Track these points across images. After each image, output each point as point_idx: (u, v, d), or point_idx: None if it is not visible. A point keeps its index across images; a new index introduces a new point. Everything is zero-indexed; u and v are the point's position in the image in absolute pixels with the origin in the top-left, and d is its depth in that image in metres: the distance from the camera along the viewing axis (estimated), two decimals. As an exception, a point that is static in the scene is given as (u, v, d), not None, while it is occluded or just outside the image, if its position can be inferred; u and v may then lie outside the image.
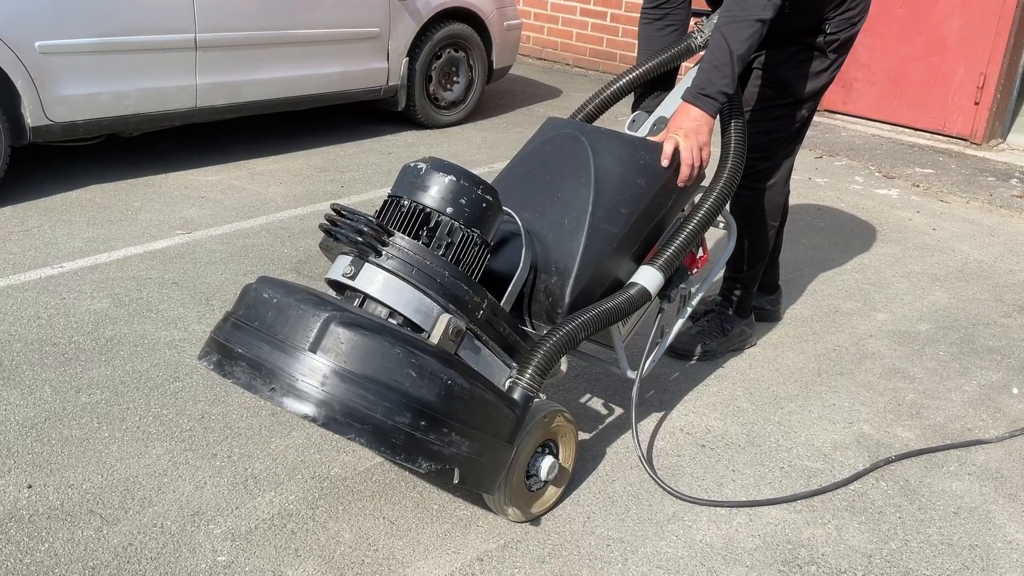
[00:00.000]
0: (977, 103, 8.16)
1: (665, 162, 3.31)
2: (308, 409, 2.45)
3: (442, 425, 2.58)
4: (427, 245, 2.79)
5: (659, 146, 3.35)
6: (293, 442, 3.54)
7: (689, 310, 3.67)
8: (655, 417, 3.86)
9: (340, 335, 2.50)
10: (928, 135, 8.59)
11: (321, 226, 2.87)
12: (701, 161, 3.38)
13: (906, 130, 8.70)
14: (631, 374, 3.50)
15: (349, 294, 2.87)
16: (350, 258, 2.80)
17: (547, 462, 3.09)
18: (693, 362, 4.31)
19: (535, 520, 3.18)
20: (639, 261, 3.39)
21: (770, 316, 4.74)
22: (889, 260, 5.74)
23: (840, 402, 4.04)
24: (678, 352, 4.27)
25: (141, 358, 4.06)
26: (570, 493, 3.32)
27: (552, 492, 3.23)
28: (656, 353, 3.54)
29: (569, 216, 3.23)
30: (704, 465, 3.54)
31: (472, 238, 2.85)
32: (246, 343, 2.56)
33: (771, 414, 3.91)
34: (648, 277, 3.28)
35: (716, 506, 3.30)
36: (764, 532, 3.17)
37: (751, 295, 4.39)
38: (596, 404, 3.94)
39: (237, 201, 6.01)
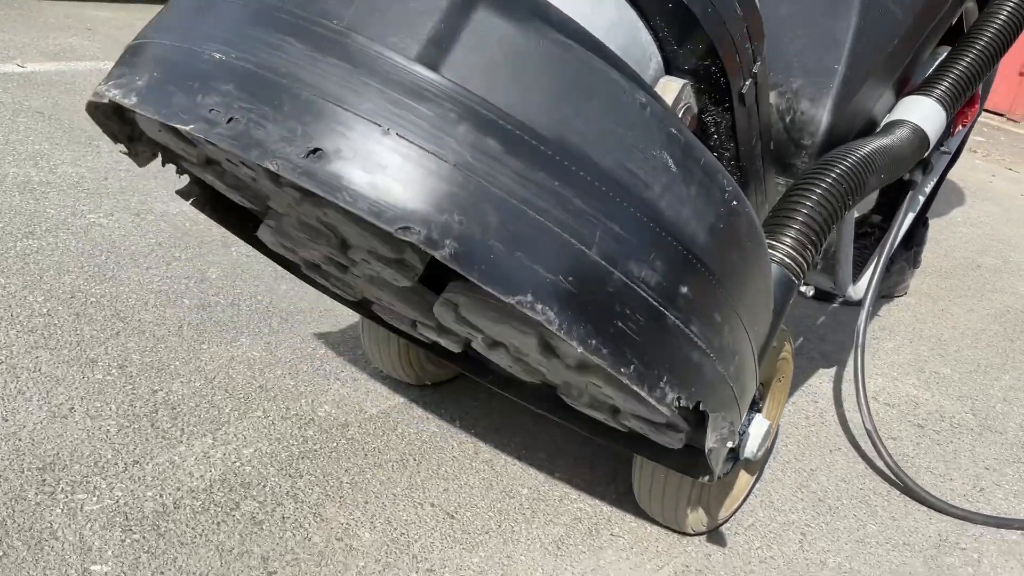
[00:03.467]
0: (1022, 74, 7.02)
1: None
2: (398, 213, 0.86)
3: (716, 300, 1.04)
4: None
5: None
6: (241, 350, 1.91)
7: (930, 190, 2.23)
8: (826, 376, 2.39)
9: (495, 29, 0.92)
10: (962, 105, 7.43)
11: None
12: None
13: (937, 96, 7.53)
14: (853, 292, 2.03)
15: None
16: None
17: (759, 425, 1.57)
18: (836, 305, 2.87)
19: (715, 532, 1.67)
20: (897, 95, 1.92)
21: (912, 259, 3.34)
22: (997, 218, 4.48)
23: (1066, 380, 2.67)
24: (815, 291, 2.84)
25: (-31, 197, 2.35)
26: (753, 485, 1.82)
27: (744, 483, 1.73)
28: (886, 254, 2.07)
29: (825, -21, 1.73)
30: (940, 457, 2.10)
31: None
32: (243, 40, 0.95)
33: (987, 387, 2.50)
34: (925, 112, 1.82)
35: (1006, 527, 1.85)
36: (1099, 580, 1.74)
37: (924, 220, 3.00)
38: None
39: (141, 38, 4.25)
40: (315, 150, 0.89)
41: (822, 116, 1.65)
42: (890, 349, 2.66)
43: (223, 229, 2.49)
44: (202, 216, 2.54)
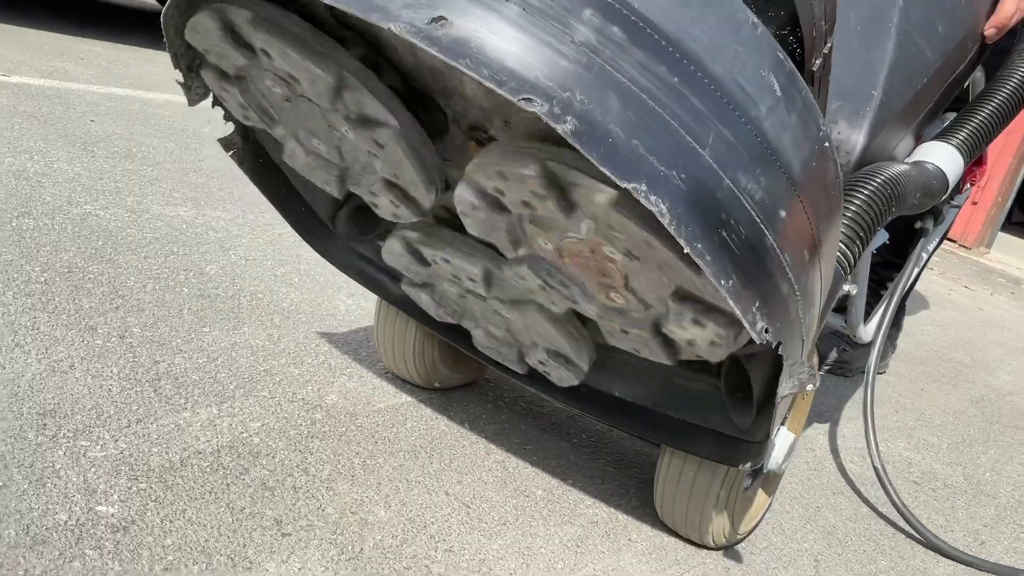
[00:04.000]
0: (975, 203, 7.32)
1: (988, -17, 1.96)
2: (521, 84, 0.86)
3: (807, 237, 1.03)
4: None
5: (978, -39, 1.99)
6: (244, 337, 1.85)
7: (934, 245, 2.28)
8: (821, 430, 2.38)
9: None
10: (916, 228, 7.69)
11: None
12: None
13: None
14: (864, 333, 2.04)
15: None
16: None
17: (784, 436, 1.56)
18: (821, 373, 2.88)
19: (730, 549, 1.62)
20: (917, 140, 1.98)
21: (892, 340, 3.40)
22: (960, 323, 4.60)
23: (1047, 461, 2.69)
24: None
25: (-37, 174, 2.27)
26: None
27: (762, 501, 1.69)
28: (897, 296, 2.09)
29: (860, 8, 1.78)
30: (938, 511, 2.08)
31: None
32: None
33: (975, 458, 2.51)
34: (947, 157, 1.87)
35: (1013, 577, 1.84)
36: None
37: (903, 305, 3.06)
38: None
39: (131, 74, 4.26)
40: (439, 18, 0.87)
41: (858, 138, 1.68)
42: (878, 415, 2.66)
43: (221, 233, 2.44)
44: (199, 220, 2.49)
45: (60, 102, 3.32)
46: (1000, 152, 7.27)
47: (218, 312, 1.96)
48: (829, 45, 1.32)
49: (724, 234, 0.93)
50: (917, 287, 5.17)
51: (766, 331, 1.00)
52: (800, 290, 1.05)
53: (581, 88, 0.87)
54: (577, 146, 0.86)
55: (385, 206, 1.32)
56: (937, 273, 6.13)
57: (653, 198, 0.88)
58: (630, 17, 0.91)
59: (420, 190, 1.20)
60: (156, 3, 7.18)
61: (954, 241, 7.63)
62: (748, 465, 1.36)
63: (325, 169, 1.33)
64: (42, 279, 1.87)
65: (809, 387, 1.05)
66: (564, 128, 0.86)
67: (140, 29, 5.61)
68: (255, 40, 1.11)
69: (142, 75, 4.28)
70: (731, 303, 0.95)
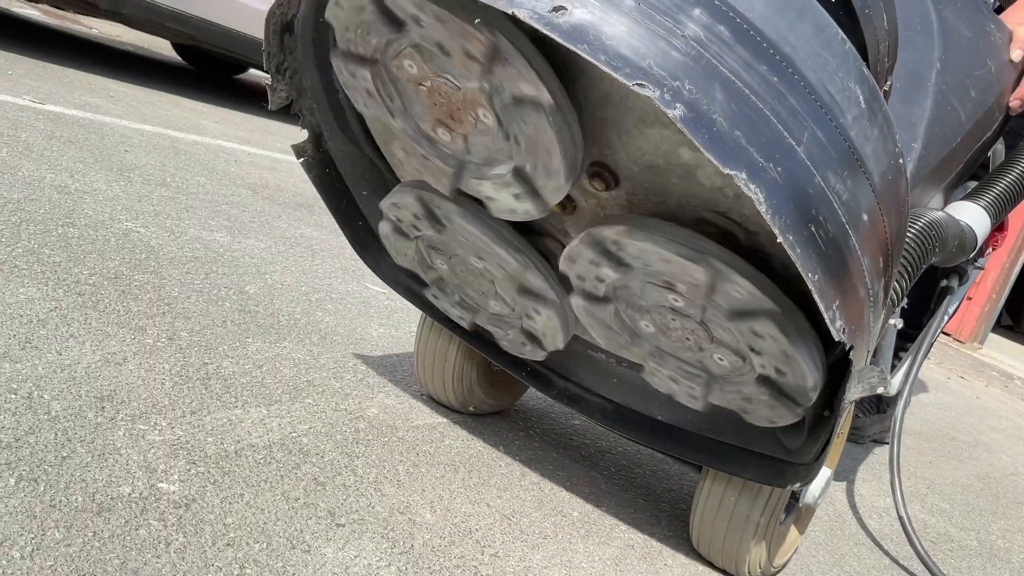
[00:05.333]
0: (970, 298, 7.43)
1: (1017, 54, 2.05)
2: (635, 71, 0.92)
3: (883, 246, 1.09)
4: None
5: (1005, 28, 2.09)
6: (286, 350, 1.88)
7: (956, 306, 2.33)
8: (839, 488, 2.41)
9: None
10: (912, 320, 7.79)
11: None
12: (1051, 89, 2.13)
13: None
14: (890, 385, 2.08)
15: None
16: None
17: (821, 472, 1.58)
18: (833, 438, 2.90)
19: (764, 580, 1.63)
20: (944, 203, 2.05)
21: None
22: (960, 408, 4.65)
23: (1056, 536, 2.71)
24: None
25: (14, 187, 2.31)
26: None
27: (793, 538, 1.71)
28: (923, 352, 2.14)
29: (898, 66, 1.86)
30: (956, 569, 2.11)
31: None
32: None
33: (986, 527, 2.53)
34: (975, 216, 1.94)
35: (1035, 632, 1.84)
36: None
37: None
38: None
39: (159, 114, 4.33)
40: (560, 7, 0.93)
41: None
42: (886, 479, 2.68)
43: (256, 259, 2.48)
44: (235, 245, 2.53)
45: (94, 132, 3.38)
46: (996, 250, 7.40)
47: (260, 326, 1.99)
48: (889, 83, 1.39)
49: (813, 229, 0.97)
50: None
51: (843, 331, 1.04)
52: (872, 297, 1.09)
53: (690, 79, 0.93)
54: (685, 131, 0.91)
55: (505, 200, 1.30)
56: (934, 363, 6.20)
57: (752, 186, 0.93)
58: (735, 19, 0.97)
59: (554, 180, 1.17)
60: (179, 57, 7.35)
61: (948, 335, 7.71)
62: (797, 485, 1.38)
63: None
64: (91, 281, 1.90)
65: (880, 389, 1.09)
66: (674, 113, 0.91)
67: (163, 77, 5.73)
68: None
69: (170, 116, 4.36)
70: (816, 296, 0.99)
